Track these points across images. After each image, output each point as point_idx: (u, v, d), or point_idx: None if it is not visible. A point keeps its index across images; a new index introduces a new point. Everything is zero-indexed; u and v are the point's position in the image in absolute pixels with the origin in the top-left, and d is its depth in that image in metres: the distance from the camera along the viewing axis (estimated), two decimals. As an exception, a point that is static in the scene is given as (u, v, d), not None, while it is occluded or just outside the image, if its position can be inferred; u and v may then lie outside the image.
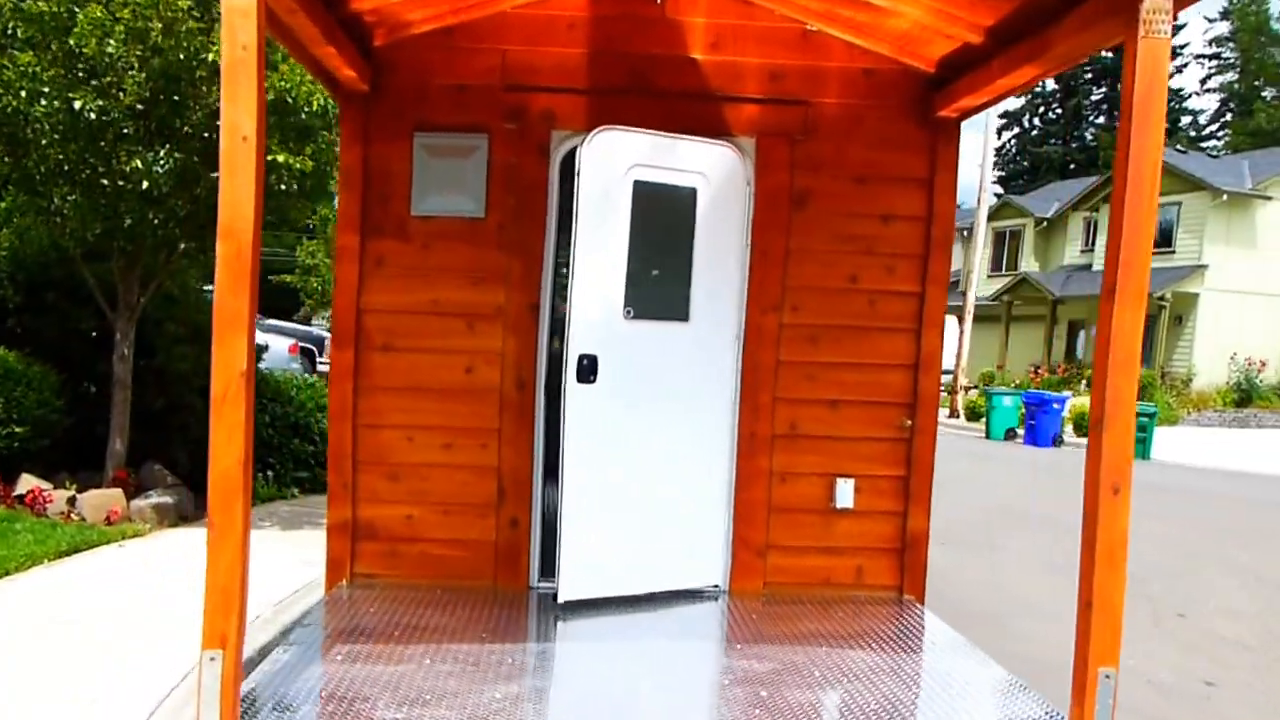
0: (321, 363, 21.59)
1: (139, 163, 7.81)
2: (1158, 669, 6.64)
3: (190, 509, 8.97)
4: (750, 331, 5.65)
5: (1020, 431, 23.71)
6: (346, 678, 4.09)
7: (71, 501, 8.35)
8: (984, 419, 25.31)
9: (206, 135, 8.06)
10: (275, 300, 26.21)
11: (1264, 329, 32.48)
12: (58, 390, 9.05)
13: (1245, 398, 31.39)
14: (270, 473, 10.42)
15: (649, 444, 5.39)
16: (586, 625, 5.09)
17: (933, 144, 5.75)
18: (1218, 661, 6.95)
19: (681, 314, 5.48)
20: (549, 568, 5.58)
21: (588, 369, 5.15)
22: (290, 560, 7.96)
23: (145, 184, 7.84)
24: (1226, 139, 58.62)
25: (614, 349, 5.23)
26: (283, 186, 8.48)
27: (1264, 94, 59.53)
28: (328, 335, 27.62)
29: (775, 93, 5.67)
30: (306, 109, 8.30)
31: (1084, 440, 4.17)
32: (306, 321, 29.44)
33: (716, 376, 5.61)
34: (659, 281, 5.41)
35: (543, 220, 5.57)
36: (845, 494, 5.65)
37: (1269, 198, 32.60)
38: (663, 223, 5.39)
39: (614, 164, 5.21)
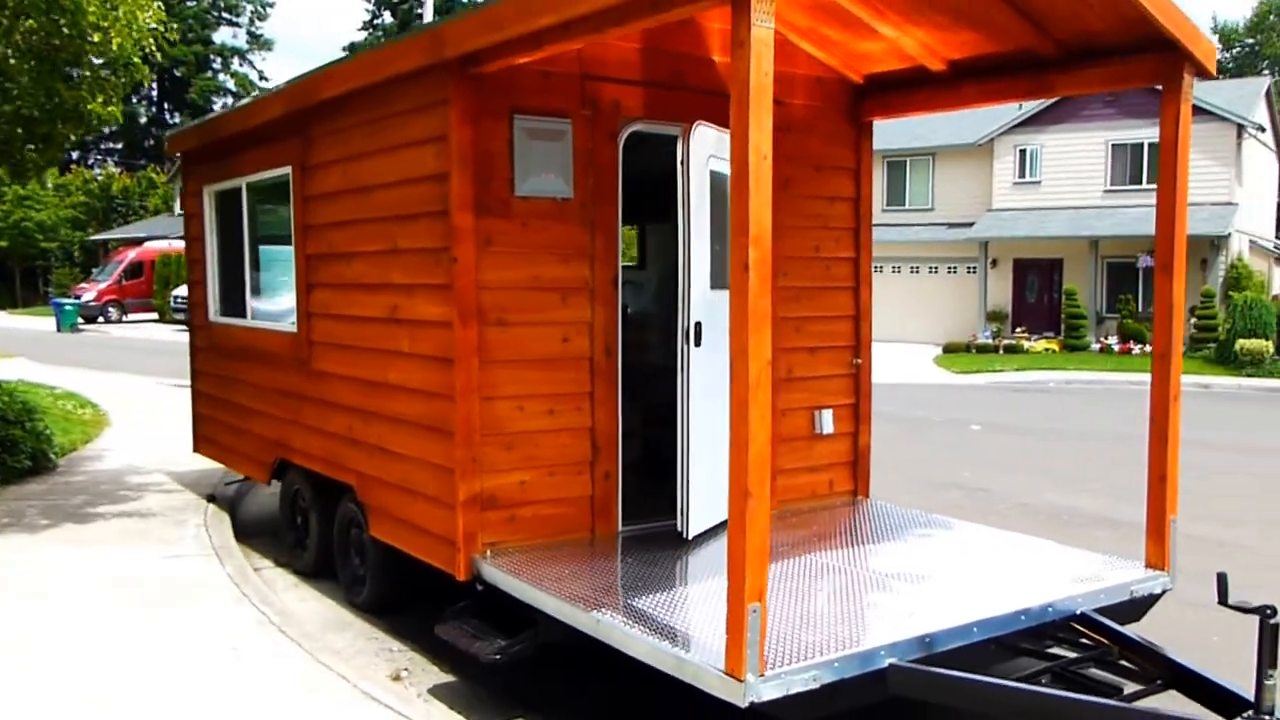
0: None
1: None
2: None
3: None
4: (759, 294, 6.74)
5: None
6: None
7: None
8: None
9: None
10: None
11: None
12: None
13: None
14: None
15: (721, 394, 6.30)
16: (710, 553, 5.97)
17: (857, 140, 7.23)
18: None
19: (725, 282, 6.40)
20: (629, 512, 6.28)
21: (697, 334, 5.94)
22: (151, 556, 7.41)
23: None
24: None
25: (707, 315, 6.06)
26: (73, 137, 7.49)
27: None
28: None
29: (765, 93, 6.74)
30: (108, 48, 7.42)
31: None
32: None
33: (741, 334, 6.63)
34: (717, 255, 6.29)
35: (615, 200, 6.13)
36: (827, 422, 7.03)
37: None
38: (717, 204, 6.26)
39: (702, 155, 5.98)
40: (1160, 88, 5.52)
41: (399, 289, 6.16)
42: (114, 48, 7.14)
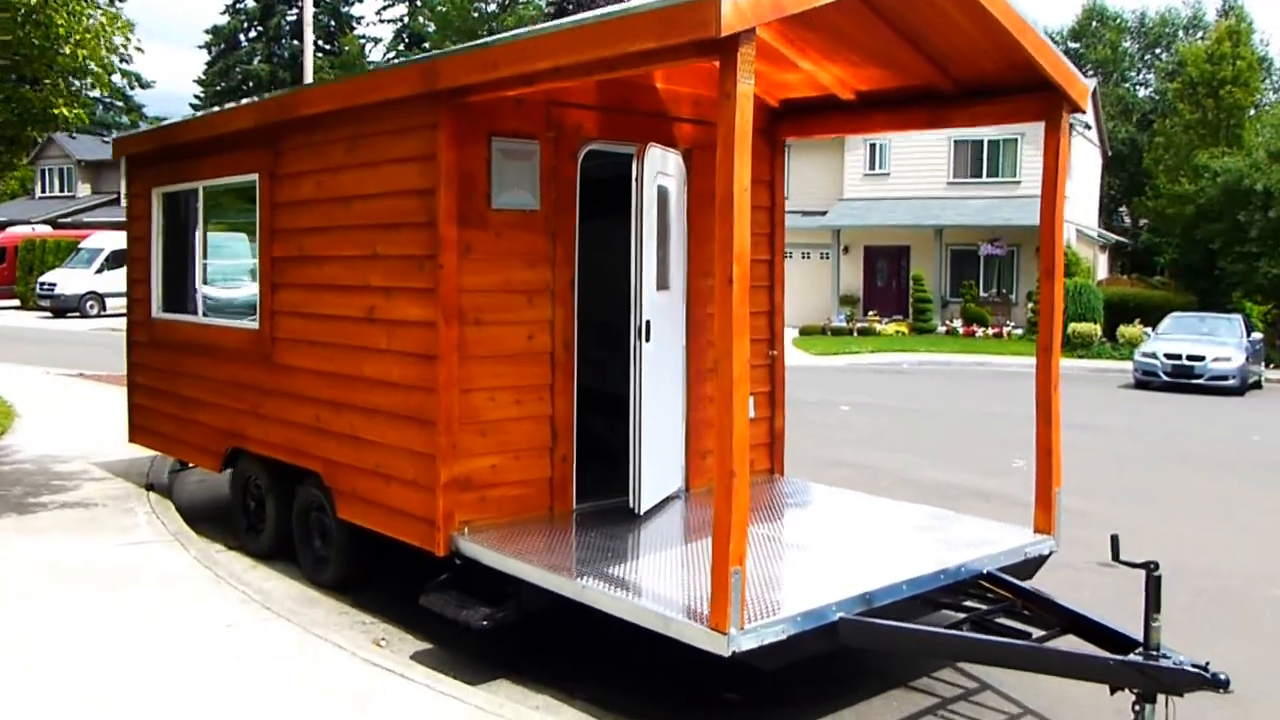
0: None
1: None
2: None
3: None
4: (691, 293, 7.51)
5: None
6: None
7: None
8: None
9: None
10: None
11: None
12: None
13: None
14: None
15: (664, 383, 7.08)
16: (658, 526, 6.76)
17: (773, 157, 8.09)
18: None
19: (666, 284, 7.18)
20: (581, 492, 7.00)
21: (647, 331, 6.70)
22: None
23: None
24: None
25: (654, 314, 6.80)
26: (39, 140, 7.72)
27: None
28: None
29: (697, 115, 7.52)
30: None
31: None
32: None
33: (677, 328, 7.41)
34: (661, 260, 7.05)
35: (573, 211, 6.82)
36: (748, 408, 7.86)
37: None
38: (660, 215, 7.02)
39: (651, 173, 6.73)
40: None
41: (377, 291, 6.71)
42: (80, 60, 7.40)
